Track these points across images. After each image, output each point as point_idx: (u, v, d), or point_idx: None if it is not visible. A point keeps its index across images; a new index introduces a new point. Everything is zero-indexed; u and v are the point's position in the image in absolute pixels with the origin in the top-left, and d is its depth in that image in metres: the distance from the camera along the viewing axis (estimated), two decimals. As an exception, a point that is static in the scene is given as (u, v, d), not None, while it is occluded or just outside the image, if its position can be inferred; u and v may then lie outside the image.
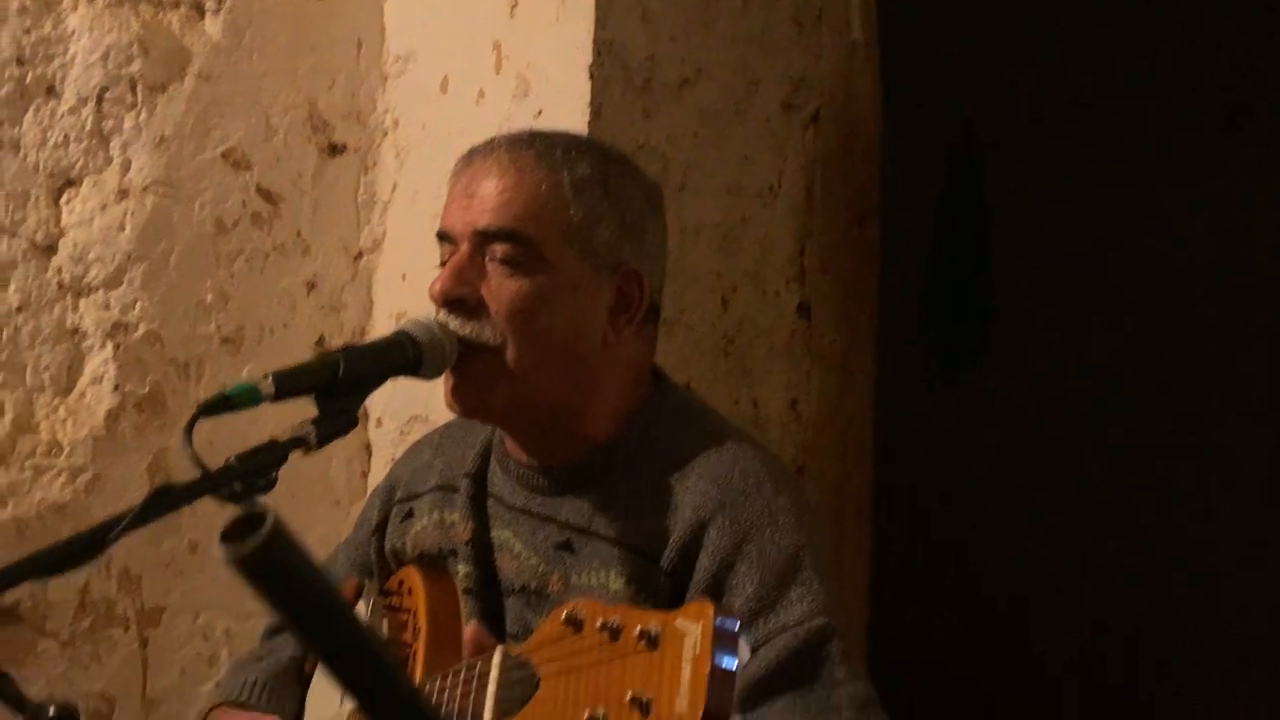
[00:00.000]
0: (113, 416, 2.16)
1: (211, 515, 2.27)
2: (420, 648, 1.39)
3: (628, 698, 0.89)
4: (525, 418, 1.44)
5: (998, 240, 4.44)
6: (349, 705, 1.43)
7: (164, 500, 1.24)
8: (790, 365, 2.46)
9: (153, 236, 2.21)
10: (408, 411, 2.37)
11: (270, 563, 0.43)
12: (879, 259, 2.56)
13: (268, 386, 1.29)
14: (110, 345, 2.17)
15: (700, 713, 0.87)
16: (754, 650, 1.30)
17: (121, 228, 2.19)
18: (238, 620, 2.28)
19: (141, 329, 2.19)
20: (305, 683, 1.64)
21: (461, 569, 1.49)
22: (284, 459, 1.30)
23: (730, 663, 0.89)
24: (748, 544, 1.34)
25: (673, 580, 1.36)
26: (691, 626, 0.90)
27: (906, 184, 3.19)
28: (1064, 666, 4.28)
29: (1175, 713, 4.12)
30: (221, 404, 1.27)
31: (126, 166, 2.19)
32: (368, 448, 2.43)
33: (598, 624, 0.94)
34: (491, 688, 1.04)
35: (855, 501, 2.49)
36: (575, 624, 0.97)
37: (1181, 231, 4.11)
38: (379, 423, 2.43)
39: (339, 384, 1.34)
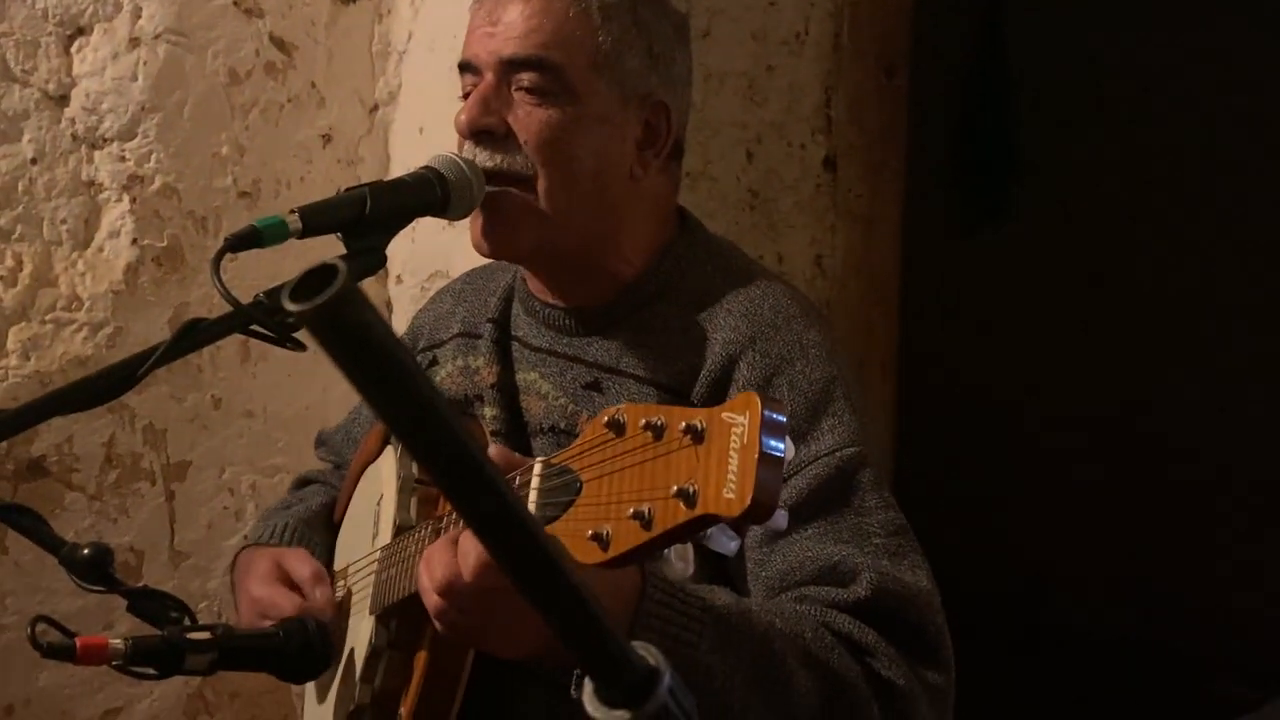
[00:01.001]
0: (132, 270, 2.14)
1: (234, 371, 2.26)
2: None
3: (673, 490, 0.88)
4: (555, 255, 1.41)
5: (1024, 100, 4.37)
6: (379, 546, 1.43)
7: (194, 334, 1.22)
8: (815, 219, 2.41)
9: (166, 87, 2.16)
10: (428, 267, 2.34)
11: (341, 319, 0.41)
12: (907, 111, 2.51)
13: (295, 221, 1.26)
14: (127, 198, 2.13)
15: (749, 500, 0.85)
16: (787, 480, 1.26)
17: (134, 78, 2.14)
18: (263, 475, 2.28)
19: (158, 182, 2.15)
20: (334, 530, 1.64)
21: (488, 412, 1.47)
22: (313, 296, 1.28)
23: (779, 451, 0.86)
24: (779, 377, 1.32)
25: None
26: (738, 418, 0.87)
27: (936, 35, 3.11)
28: (1088, 504, 4.31)
29: (1190, 546, 4.15)
30: (249, 237, 1.24)
31: (137, 13, 2.13)
32: (389, 304, 2.41)
33: (640, 424, 0.92)
34: (532, 495, 1.02)
35: (881, 356, 2.47)
36: (617, 427, 0.94)
37: (1209, 91, 4.03)
38: (399, 279, 2.41)
39: (366, 221, 1.31)
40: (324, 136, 2.31)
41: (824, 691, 1.16)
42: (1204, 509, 4.13)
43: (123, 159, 2.13)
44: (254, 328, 1.24)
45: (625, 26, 1.37)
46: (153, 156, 2.15)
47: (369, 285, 2.41)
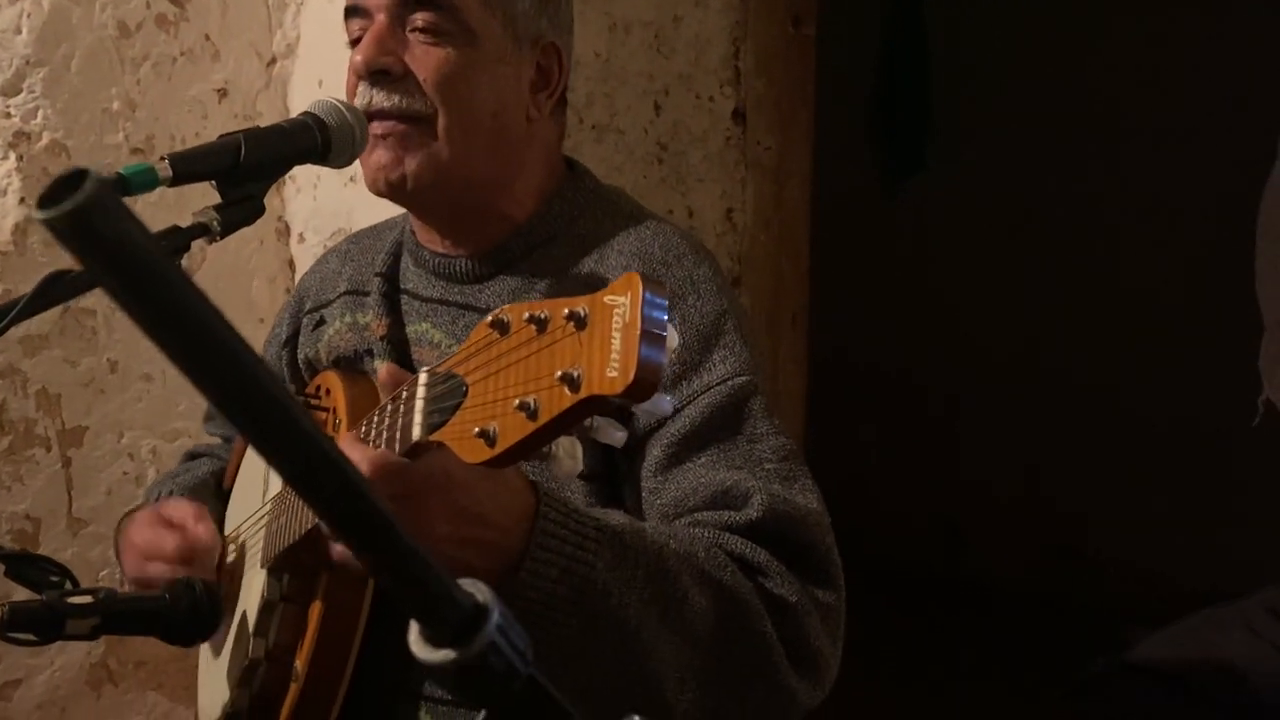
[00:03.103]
0: (20, 231, 2.07)
1: (131, 334, 2.20)
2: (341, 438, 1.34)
3: (558, 376, 0.85)
4: (450, 196, 1.39)
5: (937, 56, 4.37)
6: (266, 510, 1.40)
7: (59, 286, 1.17)
8: (725, 173, 2.40)
9: (51, 40, 2.08)
10: (330, 225, 2.30)
11: (93, 228, 0.38)
12: (815, 61, 2.49)
13: (164, 169, 1.21)
14: (13, 156, 2.06)
15: (632, 375, 0.83)
16: (680, 410, 1.28)
17: (18, 30, 2.06)
18: (164, 440, 2.23)
19: (45, 138, 2.08)
20: (224, 498, 1.60)
21: (379, 365, 1.44)
22: (186, 247, 1.23)
23: (662, 326, 0.84)
24: (670, 312, 1.31)
25: None
26: (620, 299, 0.85)
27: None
28: (997, 455, 4.36)
29: (1099, 497, 4.21)
30: (116, 186, 1.19)
31: (18, -36, 2.05)
32: (290, 264, 2.36)
33: (524, 318, 0.90)
34: (418, 405, 0.99)
35: (791, 308, 2.46)
36: (501, 326, 0.92)
37: (1117, 42, 4.06)
38: (301, 238, 2.36)
39: (241, 168, 1.26)
40: (219, 91, 2.25)
41: (718, 609, 1.17)
42: (1112, 458, 4.19)
43: (7, 115, 2.06)
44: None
45: None
46: (39, 112, 2.08)
47: (270, 243, 2.36)
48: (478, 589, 0.56)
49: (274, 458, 0.45)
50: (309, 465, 0.45)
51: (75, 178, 0.39)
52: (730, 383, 1.29)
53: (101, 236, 0.38)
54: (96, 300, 2.15)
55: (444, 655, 0.54)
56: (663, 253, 1.37)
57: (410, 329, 1.45)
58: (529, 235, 1.41)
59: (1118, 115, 4.07)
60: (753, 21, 2.35)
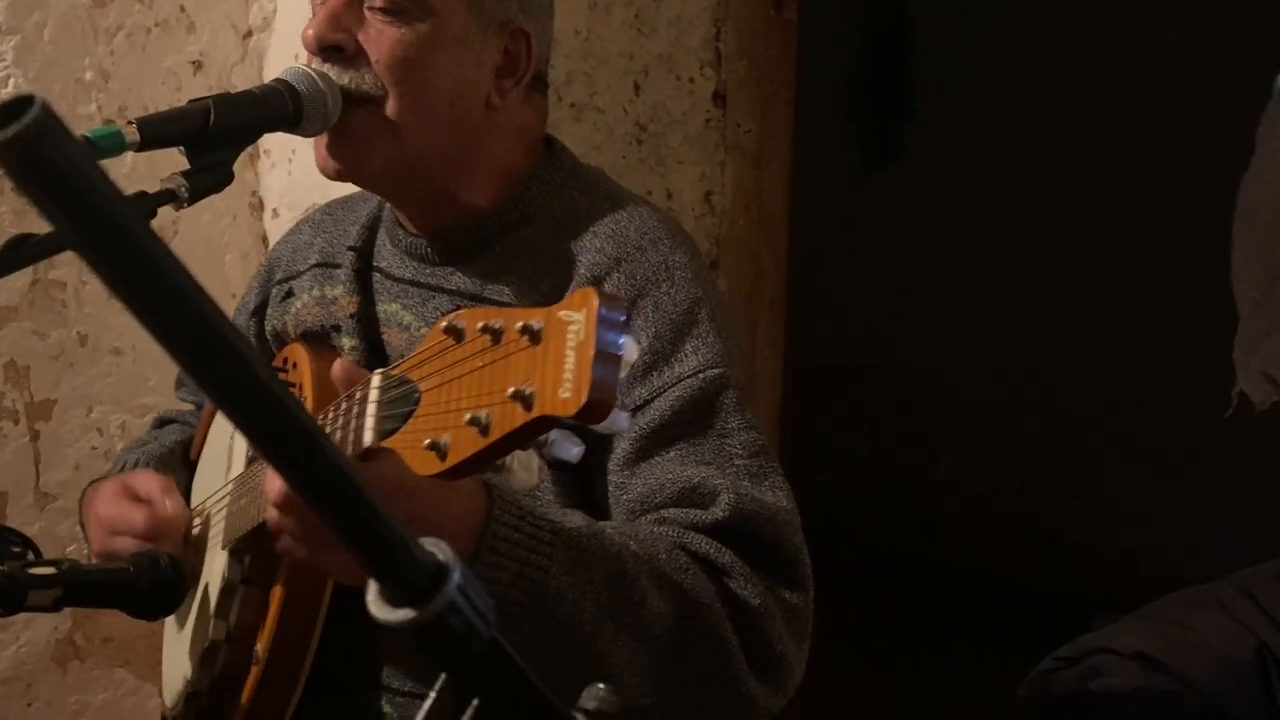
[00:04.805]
0: (-12, 200, 2.04)
1: (101, 307, 2.18)
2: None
3: (510, 393, 0.85)
4: (403, 180, 1.36)
5: (919, 40, 4.37)
6: (228, 489, 1.38)
7: (22, 249, 1.15)
8: (705, 155, 2.38)
9: (23, 8, 2.05)
10: (304, 200, 2.27)
11: (36, 155, 0.36)
12: (797, 44, 2.48)
13: (132, 133, 1.19)
14: (-18, 125, 2.03)
15: (585, 398, 0.82)
16: (649, 402, 1.26)
17: (-11, -2, 2.03)
18: (133, 415, 2.21)
19: (10, 85, 2.05)
20: (192, 467, 1.58)
21: (346, 343, 1.43)
22: (153, 213, 1.22)
23: (616, 348, 0.83)
24: (643, 298, 1.29)
25: None
26: (575, 315, 0.84)
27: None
28: (975, 440, 4.37)
29: (1078, 484, 4.23)
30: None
31: (-10, -71, 2.02)
32: (264, 239, 2.33)
33: (478, 328, 0.89)
34: (371, 409, 0.98)
35: (770, 293, 2.45)
36: (456, 333, 0.91)
37: (1103, 38, 4.07)
38: (275, 213, 2.34)
39: (210, 134, 1.24)
40: (194, 63, 2.22)
41: (678, 612, 1.15)
42: (1092, 445, 4.20)
43: (-23, 83, 2.03)
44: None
45: None
46: (10, 81, 2.05)
47: (244, 219, 2.34)
48: (439, 548, 0.54)
49: (226, 404, 0.44)
50: (262, 412, 0.44)
51: (20, 104, 0.37)
52: (701, 375, 1.26)
53: (45, 163, 0.36)
54: (67, 272, 2.12)
55: (403, 615, 0.53)
56: (638, 236, 1.33)
57: (380, 308, 1.43)
58: (501, 218, 1.37)
59: (1102, 102, 4.07)
60: (734, 3, 2.34)
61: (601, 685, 0.65)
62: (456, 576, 0.54)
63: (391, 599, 0.53)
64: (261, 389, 0.43)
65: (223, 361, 0.41)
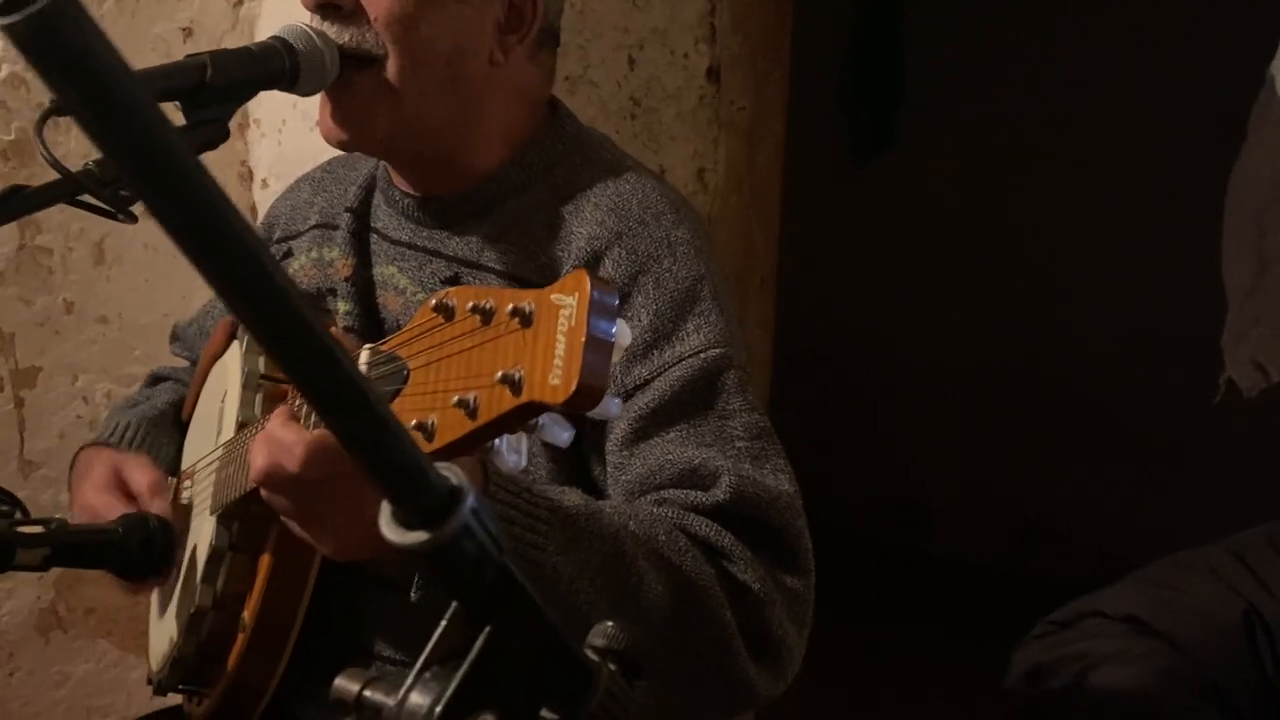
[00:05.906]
0: (-23, 164, 2.02)
1: (88, 274, 2.16)
2: None
3: (499, 376, 0.84)
4: (407, 143, 1.34)
5: (914, 26, 4.37)
6: (217, 455, 1.37)
7: (14, 201, 1.13)
8: (698, 132, 2.37)
9: (12, -30, 2.03)
10: (295, 170, 2.24)
11: (57, 33, 0.35)
12: (792, 21, 2.47)
13: (128, 84, 1.18)
14: (-30, 88, 2.01)
15: (574, 385, 0.81)
16: (649, 381, 1.23)
17: (-23, -41, 2.01)
18: (119, 384, 2.19)
19: (4, 70, 2.03)
20: (183, 429, 1.57)
21: (342, 306, 1.41)
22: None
23: (608, 334, 0.82)
24: (644, 275, 1.27)
25: None
26: (567, 299, 0.83)
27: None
28: (963, 429, 4.37)
29: (1064, 475, 4.24)
30: (76, 100, 1.15)
31: (-21, -111, 2.00)
32: (253, 209, 2.31)
33: (469, 307, 0.87)
34: None
35: (760, 271, 2.45)
36: (446, 311, 0.90)
37: (1090, 16, 4.07)
38: (265, 183, 2.32)
39: (207, 90, 1.23)
40: (184, 30, 2.20)
41: (675, 595, 1.13)
42: (1079, 434, 4.21)
43: (-35, 45, 2.01)
44: (83, 198, 1.16)
45: None
46: (-2, 45, 2.03)
47: (234, 188, 2.32)
48: (453, 472, 0.54)
49: (240, 307, 0.43)
50: (277, 318, 0.43)
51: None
52: (703, 355, 1.24)
53: (64, 43, 0.35)
54: (54, 238, 2.10)
55: (416, 537, 0.52)
56: (640, 210, 1.30)
57: (377, 271, 1.41)
58: (501, 182, 1.35)
59: (1094, 89, 4.07)
60: (730, -22, 2.33)
61: (610, 623, 0.65)
62: (470, 500, 0.53)
63: (405, 521, 0.52)
64: (276, 291, 0.43)
65: (236, 257, 0.41)
